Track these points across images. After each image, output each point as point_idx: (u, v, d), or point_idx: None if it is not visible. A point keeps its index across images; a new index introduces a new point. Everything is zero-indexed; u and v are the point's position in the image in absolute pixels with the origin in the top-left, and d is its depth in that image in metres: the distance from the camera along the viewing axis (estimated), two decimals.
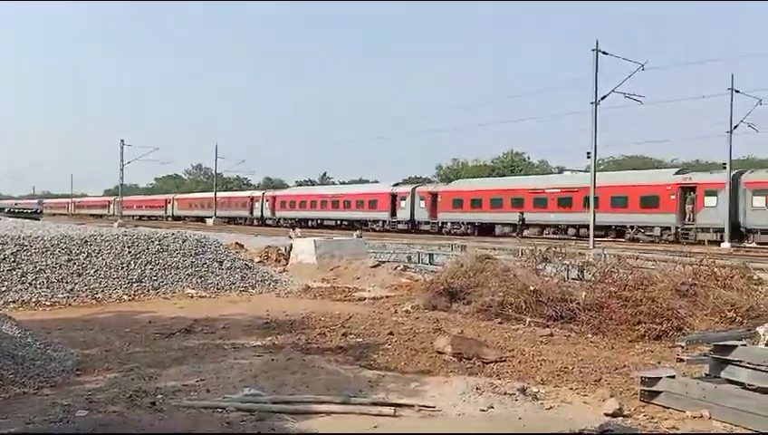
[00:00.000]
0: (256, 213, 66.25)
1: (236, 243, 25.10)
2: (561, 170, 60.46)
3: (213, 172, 74.00)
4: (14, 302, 12.53)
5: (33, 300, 12.82)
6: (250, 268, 17.07)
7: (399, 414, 5.92)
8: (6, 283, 13.11)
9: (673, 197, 34.63)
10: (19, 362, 7.16)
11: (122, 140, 59.38)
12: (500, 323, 10.89)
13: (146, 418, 5.73)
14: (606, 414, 5.95)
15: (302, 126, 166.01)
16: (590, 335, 9.90)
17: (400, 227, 49.29)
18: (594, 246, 25.56)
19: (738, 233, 32.77)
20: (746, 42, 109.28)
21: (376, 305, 13.22)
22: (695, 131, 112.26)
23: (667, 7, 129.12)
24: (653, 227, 35.22)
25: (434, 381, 7.15)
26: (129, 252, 15.35)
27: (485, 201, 43.57)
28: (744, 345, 6.34)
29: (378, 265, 19.40)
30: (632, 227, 35.76)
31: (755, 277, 11.40)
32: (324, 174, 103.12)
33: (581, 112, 28.97)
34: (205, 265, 15.98)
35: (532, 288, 11.19)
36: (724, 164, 33.42)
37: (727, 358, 6.18)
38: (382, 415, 5.85)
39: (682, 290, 10.41)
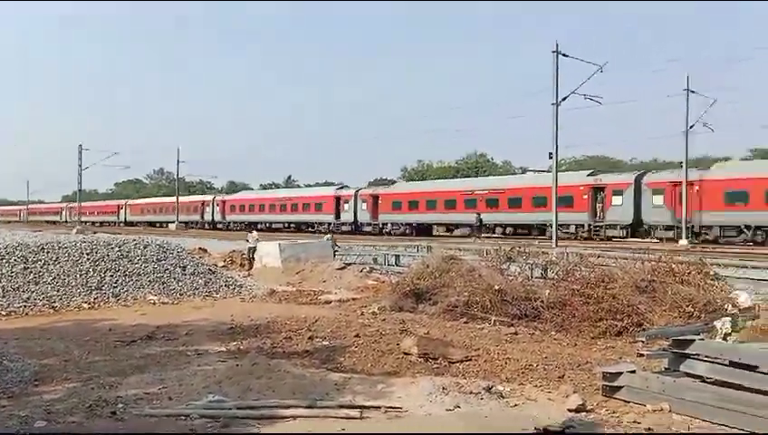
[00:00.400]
0: (207, 217, 67.80)
1: (200, 248, 24.79)
2: (524, 171, 61.24)
3: (175, 176, 73.06)
4: None
5: None
6: (214, 273, 16.86)
7: (366, 416, 5.91)
8: None
9: (585, 196, 37.20)
10: None
11: (80, 145, 57.98)
12: (466, 322, 10.96)
13: (106, 427, 5.60)
14: (569, 410, 6.03)
15: (301, 126, 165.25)
16: (553, 333, 10.04)
17: (344, 228, 50.78)
18: (557, 245, 25.91)
19: (641, 229, 35.57)
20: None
21: (342, 308, 13.18)
22: (657, 131, 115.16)
23: (667, 7, 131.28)
24: (569, 224, 37.28)
25: (400, 383, 7.16)
26: (88, 259, 15.00)
27: (422, 203, 46.05)
28: (702, 339, 6.51)
29: (344, 268, 19.37)
30: (551, 225, 36.59)
31: (712, 273, 11.69)
32: (289, 177, 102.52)
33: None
34: (167, 271, 15.71)
35: (496, 287, 11.29)
36: (681, 163, 34.29)
37: (686, 352, 6.33)
38: (349, 418, 5.84)
39: (642, 286, 10.62)
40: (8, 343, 9.45)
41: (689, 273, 11.05)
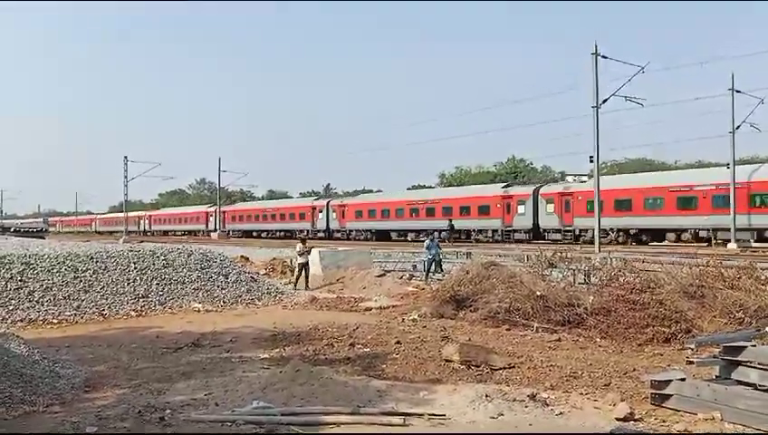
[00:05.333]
0: (142, 228, 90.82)
1: (242, 256, 25.12)
2: (563, 175, 60.42)
3: (216, 186, 75.52)
4: (21, 320, 12.57)
5: (41, 318, 12.84)
6: (256, 281, 17.09)
7: (409, 423, 5.90)
8: (14, 301, 13.16)
9: (310, 212, 60.93)
10: (27, 381, 7.17)
11: (126, 157, 59.61)
12: (507, 329, 10.86)
13: (155, 433, 5.73)
14: (617, 419, 5.92)
15: (338, 133, 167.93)
16: (598, 340, 9.87)
17: (212, 235, 69.74)
18: (600, 250, 25.46)
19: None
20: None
21: (383, 315, 13.21)
22: (701, 132, 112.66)
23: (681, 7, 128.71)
24: (302, 230, 57.26)
25: (443, 390, 7.13)
26: (135, 268, 15.38)
27: (251, 217, 70.34)
28: (754, 346, 6.31)
29: (383, 275, 19.39)
30: (300, 231, 55.30)
31: (763, 277, 11.33)
32: (328, 185, 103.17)
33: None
34: (211, 280, 15.99)
35: (538, 294, 11.16)
36: (728, 164, 33.34)
37: (737, 359, 6.15)
38: (392, 425, 5.84)
39: (690, 292, 10.37)
40: (60, 350, 9.74)
41: (739, 278, 10.75)
